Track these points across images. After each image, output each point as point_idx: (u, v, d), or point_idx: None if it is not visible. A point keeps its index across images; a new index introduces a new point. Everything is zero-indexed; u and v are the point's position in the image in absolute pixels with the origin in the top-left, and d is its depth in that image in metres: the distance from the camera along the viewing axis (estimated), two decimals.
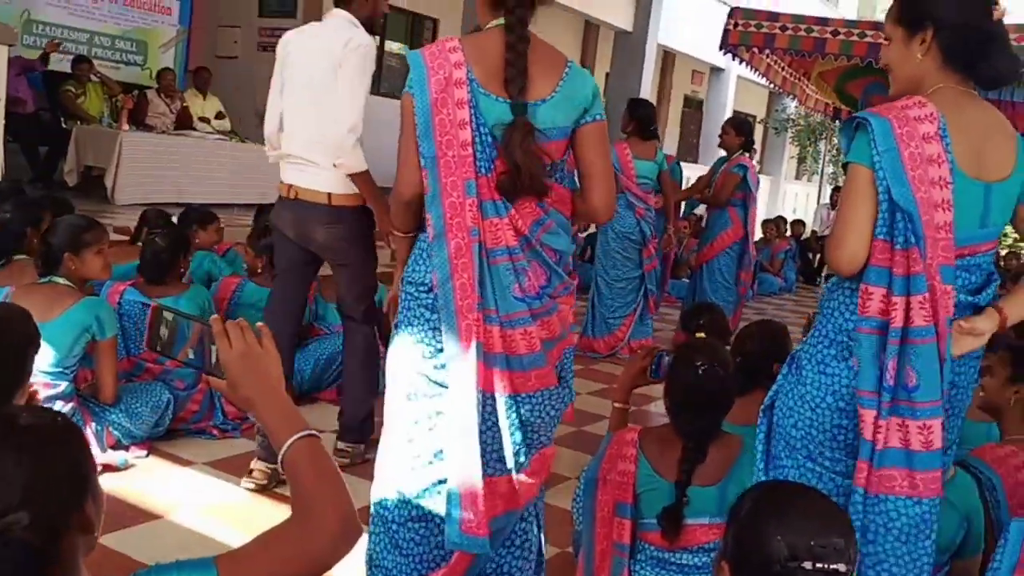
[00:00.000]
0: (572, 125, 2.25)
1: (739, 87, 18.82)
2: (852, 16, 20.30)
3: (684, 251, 9.93)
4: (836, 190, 14.94)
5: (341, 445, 3.66)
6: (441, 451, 2.24)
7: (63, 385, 3.30)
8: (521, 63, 2.14)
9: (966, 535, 2.33)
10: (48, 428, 1.22)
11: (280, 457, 1.33)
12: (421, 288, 2.25)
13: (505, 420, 2.22)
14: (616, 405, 2.83)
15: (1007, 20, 2.07)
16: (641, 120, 6.31)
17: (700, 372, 2.38)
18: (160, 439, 3.68)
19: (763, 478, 2.15)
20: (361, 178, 3.39)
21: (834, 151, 19.09)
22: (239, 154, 8.79)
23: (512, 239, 2.19)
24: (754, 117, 16.42)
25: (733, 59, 6.74)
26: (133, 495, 3.13)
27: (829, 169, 19.99)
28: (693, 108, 20.90)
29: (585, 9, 12.97)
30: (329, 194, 3.43)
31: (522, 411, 2.24)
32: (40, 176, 8.27)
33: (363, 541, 1.34)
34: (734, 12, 6.28)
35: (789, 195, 22.06)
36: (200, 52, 11.26)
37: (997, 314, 2.00)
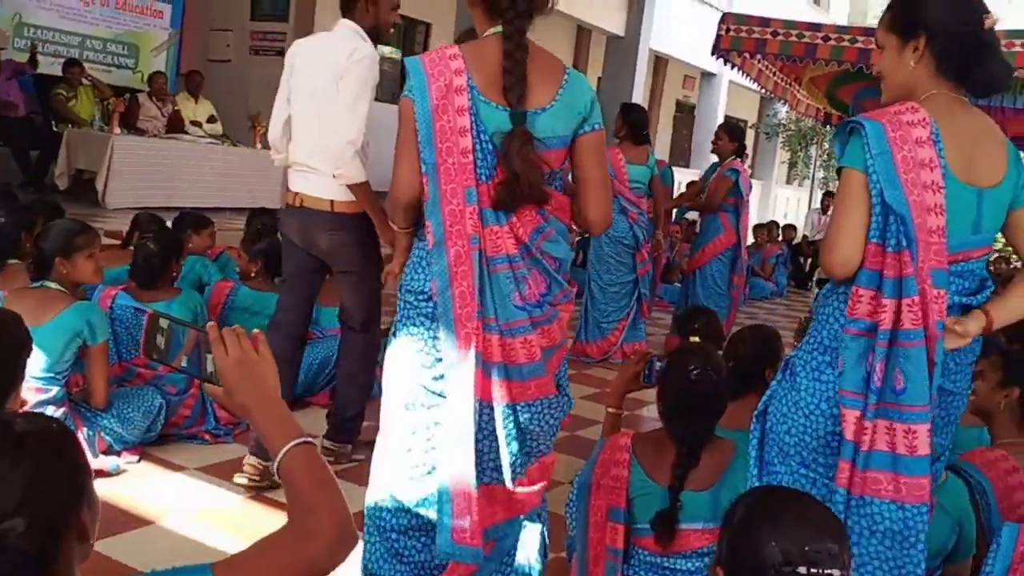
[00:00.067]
0: (571, 134, 2.25)
1: (731, 92, 18.87)
2: (843, 22, 20.40)
3: (676, 255, 9.94)
4: (827, 195, 14.98)
5: (328, 444, 3.68)
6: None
7: (54, 390, 3.29)
8: (519, 72, 2.14)
9: (958, 539, 2.34)
10: (45, 435, 1.22)
11: (276, 464, 1.33)
12: (420, 297, 2.24)
13: (502, 430, 2.21)
14: (609, 410, 2.83)
15: (996, 26, 2.09)
16: (634, 125, 6.32)
17: (693, 377, 2.38)
18: (152, 444, 3.67)
19: (757, 483, 2.16)
20: (359, 189, 3.41)
21: (825, 156, 19.17)
22: (231, 158, 8.79)
23: (512, 247, 2.19)
24: (745, 122, 16.52)
25: (725, 64, 6.78)
26: (125, 500, 3.12)
27: (820, 174, 20.07)
28: (685, 113, 20.95)
29: (577, 14, 12.99)
30: (331, 201, 3.46)
31: (521, 420, 2.24)
32: (31, 180, 8.25)
33: (358, 548, 1.34)
34: (726, 17, 6.32)
35: (780, 200, 22.12)
36: (192, 55, 11.25)
37: (984, 316, 2.02)
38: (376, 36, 3.53)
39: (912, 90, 2.05)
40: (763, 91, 8.18)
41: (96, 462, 3.29)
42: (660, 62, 18.55)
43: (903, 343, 1.94)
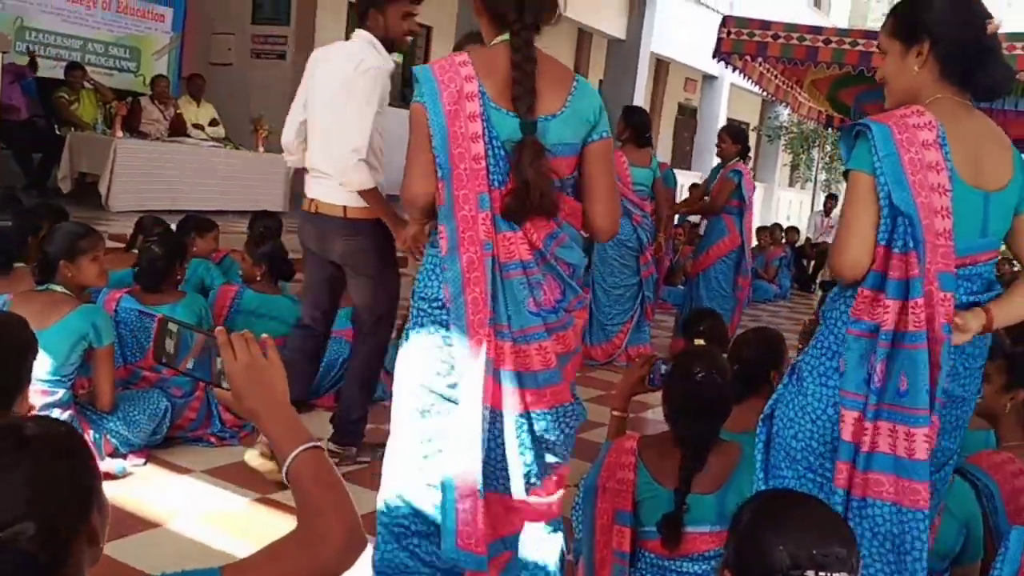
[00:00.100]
0: (580, 142, 2.24)
1: (732, 95, 18.87)
2: (843, 25, 20.40)
3: (680, 258, 9.94)
4: (830, 197, 14.99)
5: (332, 446, 3.69)
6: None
7: (60, 393, 3.30)
8: (529, 82, 2.14)
9: (965, 542, 2.35)
10: (54, 438, 1.22)
11: (284, 469, 1.33)
12: (434, 304, 2.23)
13: (515, 439, 2.20)
14: (614, 413, 2.83)
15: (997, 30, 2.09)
16: (636, 128, 6.33)
17: (698, 379, 2.39)
18: (158, 447, 3.68)
19: (763, 487, 2.16)
20: (369, 195, 3.45)
21: (827, 158, 19.16)
22: (233, 161, 8.79)
23: (526, 253, 2.18)
24: (747, 124, 16.49)
25: (726, 67, 6.79)
26: (131, 503, 3.13)
27: (822, 176, 20.06)
28: (686, 116, 20.96)
29: (578, 17, 13.00)
30: (344, 207, 3.51)
31: (536, 429, 2.22)
32: (34, 183, 8.25)
33: (367, 552, 1.34)
34: (727, 20, 6.33)
35: (783, 202, 22.12)
36: (193, 59, 11.26)
37: (984, 314, 2.01)
38: (389, 46, 3.56)
39: (916, 95, 2.06)
40: (765, 94, 8.18)
41: (102, 465, 3.30)
42: (661, 65, 18.55)
43: (907, 345, 1.94)
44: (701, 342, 2.94)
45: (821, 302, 6.39)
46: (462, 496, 2.18)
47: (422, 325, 2.27)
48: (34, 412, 3.00)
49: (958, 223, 1.95)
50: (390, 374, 4.45)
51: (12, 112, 7.94)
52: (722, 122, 16.67)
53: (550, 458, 2.29)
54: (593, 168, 2.28)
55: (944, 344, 1.94)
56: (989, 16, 2.03)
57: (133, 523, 2.99)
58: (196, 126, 9.38)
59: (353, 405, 3.75)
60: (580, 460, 3.92)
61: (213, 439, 3.83)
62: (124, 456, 3.49)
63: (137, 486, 3.34)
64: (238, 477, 3.46)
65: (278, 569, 1.28)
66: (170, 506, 3.18)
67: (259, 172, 8.87)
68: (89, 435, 3.33)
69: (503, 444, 2.21)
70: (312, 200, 3.61)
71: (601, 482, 2.43)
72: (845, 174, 2.05)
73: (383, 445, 3.75)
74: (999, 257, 2.13)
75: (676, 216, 8.47)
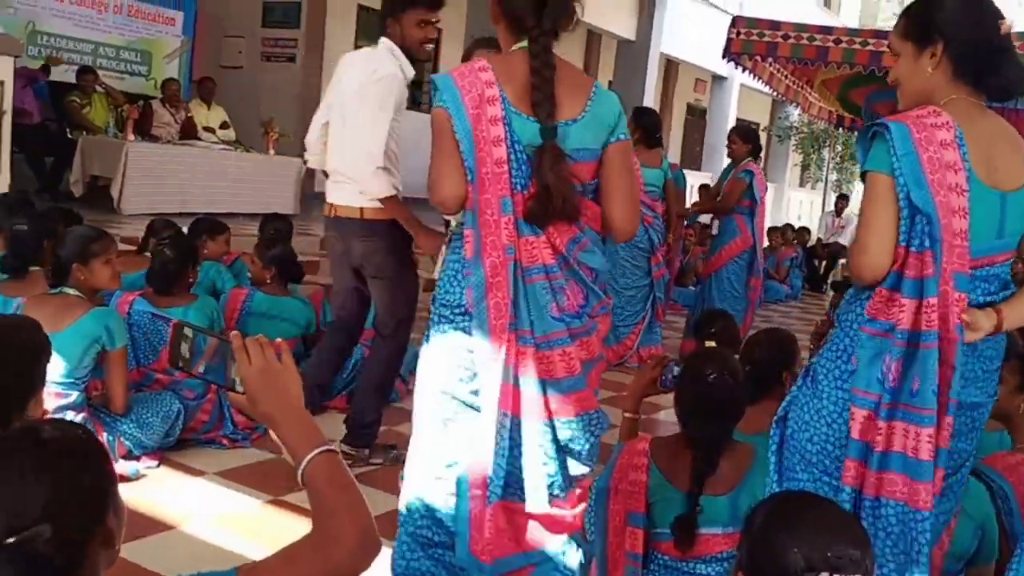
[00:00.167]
0: (600, 147, 2.23)
1: (742, 95, 18.84)
2: (853, 25, 20.34)
3: (691, 258, 9.92)
4: (840, 197, 14.93)
5: (345, 448, 3.70)
6: (491, 478, 2.19)
7: (74, 395, 3.31)
8: (548, 88, 2.14)
9: (980, 543, 2.34)
10: (70, 441, 1.23)
11: (299, 473, 1.34)
12: (456, 311, 2.22)
13: (537, 448, 2.18)
14: (626, 415, 2.83)
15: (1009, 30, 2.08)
16: (647, 128, 6.32)
17: (710, 381, 2.38)
18: (171, 449, 3.69)
19: (776, 489, 2.15)
20: (388, 203, 3.50)
21: (838, 158, 19.11)
22: (244, 164, 8.81)
23: (549, 257, 2.17)
24: (757, 125, 16.48)
25: (736, 67, 6.78)
26: (145, 505, 3.14)
27: (833, 176, 20.00)
28: (696, 116, 20.94)
29: (588, 18, 12.96)
30: (361, 209, 3.56)
31: (561, 438, 2.20)
32: (46, 187, 8.29)
33: (384, 556, 1.34)
34: (736, 21, 6.32)
35: (793, 203, 22.08)
36: (204, 62, 11.30)
37: (996, 314, 2.00)
38: (409, 54, 3.59)
39: (929, 96, 2.05)
40: (775, 94, 8.17)
41: (116, 467, 3.30)
42: (671, 66, 18.54)
43: (922, 344, 1.93)
44: (712, 344, 2.93)
45: (833, 303, 6.38)
46: (475, 502, 2.17)
47: (444, 331, 2.25)
48: (48, 415, 3.01)
49: (975, 224, 1.94)
50: (404, 381, 4.50)
51: (24, 116, 7.97)
52: (732, 122, 16.66)
53: (575, 469, 2.27)
54: (612, 169, 2.26)
55: (957, 344, 1.94)
56: (1002, 16, 2.03)
57: (147, 525, 3.00)
58: (207, 129, 9.41)
59: (368, 408, 3.77)
60: None
61: (226, 441, 3.84)
62: (137, 458, 3.51)
63: (150, 488, 3.35)
64: (251, 479, 3.48)
65: (293, 572, 1.28)
66: (183, 508, 3.19)
67: (270, 175, 8.90)
68: (103, 437, 3.35)
69: (522, 453, 2.19)
70: (331, 205, 3.67)
71: (613, 484, 2.43)
72: (862, 176, 2.04)
73: (395, 447, 3.80)
74: (1015, 258, 2.12)
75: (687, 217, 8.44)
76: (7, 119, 6.05)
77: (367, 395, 3.78)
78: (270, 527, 3.10)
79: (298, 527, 1.17)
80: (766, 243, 10.16)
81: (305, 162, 3.89)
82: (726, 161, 6.98)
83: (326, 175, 3.74)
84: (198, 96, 9.78)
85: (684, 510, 2.32)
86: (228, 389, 1.41)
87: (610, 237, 2.38)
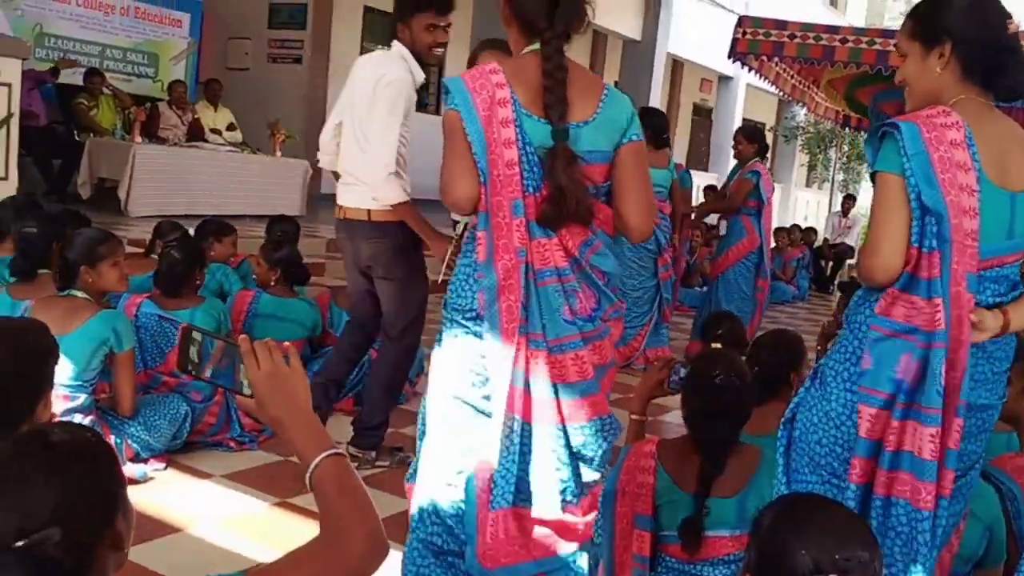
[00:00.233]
0: (612, 149, 2.22)
1: (748, 95, 18.83)
2: (860, 24, 20.30)
3: (697, 259, 9.90)
4: (847, 198, 14.90)
5: (352, 450, 3.70)
6: (499, 483, 2.18)
7: (82, 398, 3.32)
8: (560, 91, 2.13)
9: (988, 545, 2.33)
10: (80, 444, 1.24)
11: (308, 476, 1.34)
12: (468, 315, 2.21)
13: (550, 453, 2.17)
14: (633, 417, 2.82)
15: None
16: (654, 129, 6.29)
17: (717, 383, 2.38)
18: (178, 452, 3.69)
19: (784, 491, 2.15)
20: (403, 209, 3.51)
21: (844, 158, 19.08)
22: (251, 165, 8.84)
23: (562, 260, 2.15)
24: (763, 125, 16.43)
25: (742, 67, 6.76)
26: (152, 508, 3.14)
27: (839, 176, 19.96)
28: (702, 116, 20.92)
29: (594, 18, 12.97)
30: (368, 210, 3.57)
31: (574, 444, 2.19)
32: (54, 189, 8.32)
33: (392, 559, 1.34)
34: (742, 20, 6.30)
35: (800, 203, 22.04)
36: (211, 64, 11.33)
37: (1002, 316, 1.99)
38: (419, 58, 3.61)
39: (938, 96, 2.04)
40: (781, 94, 8.15)
41: (124, 470, 3.31)
42: (677, 66, 18.53)
43: (934, 344, 1.93)
44: (718, 346, 2.93)
45: (839, 303, 6.36)
46: (481, 507, 2.16)
47: (455, 336, 2.24)
48: (56, 417, 3.02)
49: (985, 224, 1.93)
50: (412, 383, 4.50)
51: (32, 118, 8.00)
52: (738, 122, 16.64)
53: (587, 475, 2.25)
54: (625, 170, 2.24)
55: (968, 346, 1.93)
56: (1009, 16, 2.02)
57: (154, 528, 3.01)
58: (214, 131, 9.44)
59: (375, 410, 3.77)
60: None
61: (233, 444, 3.85)
62: (145, 461, 3.51)
63: (158, 491, 3.36)
64: (258, 481, 3.48)
65: (301, 574, 1.28)
66: (191, 511, 3.20)
67: (277, 176, 8.92)
68: (110, 440, 3.35)
69: (533, 459, 2.18)
70: (341, 207, 3.69)
71: (620, 486, 2.42)
72: (872, 177, 2.03)
73: (402, 449, 3.80)
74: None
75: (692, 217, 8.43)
76: (15, 121, 6.07)
77: (374, 397, 3.79)
78: (278, 530, 3.11)
79: (306, 530, 1.18)
80: (772, 244, 10.17)
81: (316, 162, 3.90)
82: (733, 162, 6.97)
83: (336, 176, 3.76)
84: (205, 98, 9.81)
85: (691, 512, 2.31)
86: (236, 393, 1.41)
87: (619, 239, 2.37)
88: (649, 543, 2.36)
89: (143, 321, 3.89)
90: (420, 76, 3.60)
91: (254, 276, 5.08)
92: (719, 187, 8.74)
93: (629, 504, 2.39)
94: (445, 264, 3.11)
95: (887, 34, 5.69)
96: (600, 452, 2.25)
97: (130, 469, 3.37)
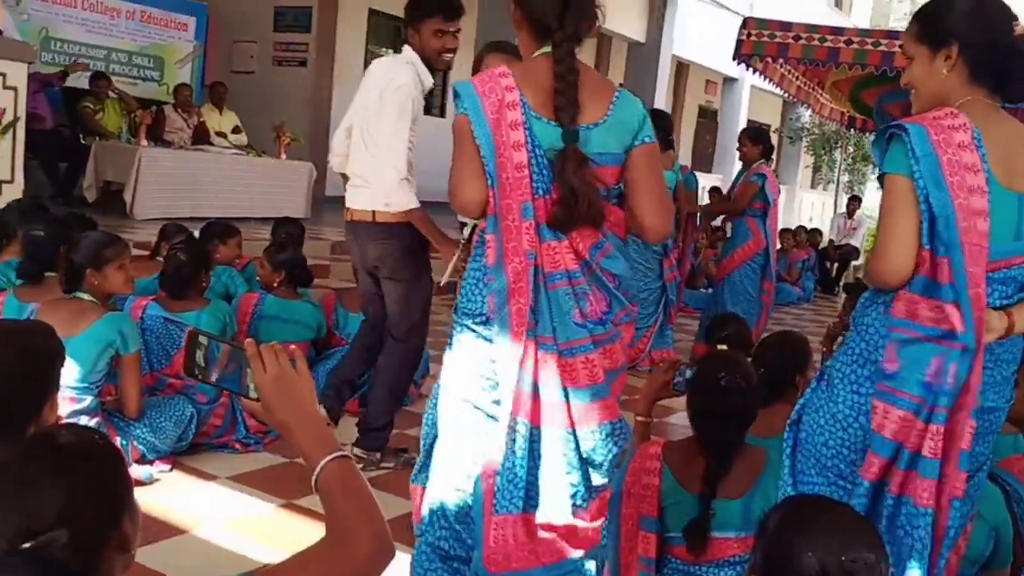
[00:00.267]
0: (623, 151, 2.21)
1: (753, 96, 18.81)
2: (865, 25, 20.27)
3: (702, 261, 9.89)
4: (852, 199, 14.87)
5: (357, 451, 3.71)
6: (505, 487, 2.17)
7: (88, 400, 3.33)
8: (571, 94, 2.12)
9: (995, 546, 2.33)
10: (87, 447, 1.24)
11: (314, 478, 1.34)
12: (478, 319, 2.20)
13: (560, 457, 2.15)
14: (639, 418, 2.82)
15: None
16: (659, 131, 6.30)
17: (722, 384, 2.38)
18: (183, 454, 3.70)
19: (790, 493, 2.15)
20: (414, 215, 3.53)
21: (849, 160, 19.03)
22: (256, 168, 8.85)
23: (572, 262, 2.14)
24: (768, 126, 16.44)
25: (747, 69, 6.76)
26: (158, 510, 3.15)
27: (845, 178, 19.92)
28: (707, 118, 20.90)
29: (603, 22, 12.98)
30: (373, 212, 3.60)
31: (583, 448, 2.17)
32: (60, 192, 8.34)
33: (398, 561, 1.33)
34: (747, 22, 6.30)
35: (805, 204, 22.01)
36: (216, 67, 11.36)
37: (1007, 317, 1.99)
38: (428, 63, 3.62)
39: (945, 98, 2.03)
40: (786, 95, 8.15)
41: (130, 471, 3.31)
42: (682, 67, 18.52)
43: (953, 345, 1.92)
44: (724, 347, 2.92)
45: (845, 305, 6.35)
46: (487, 510, 2.16)
47: (466, 341, 2.24)
48: (62, 419, 3.03)
49: (994, 226, 1.92)
50: (416, 385, 4.51)
51: (38, 122, 8.02)
52: (743, 124, 16.63)
53: (596, 479, 2.23)
54: (639, 171, 2.24)
55: (983, 348, 1.92)
56: (1015, 17, 2.01)
57: (160, 529, 3.01)
58: (219, 134, 9.45)
59: (380, 412, 3.78)
60: None
61: (238, 445, 3.85)
62: (151, 463, 3.52)
63: (164, 493, 3.36)
64: (264, 483, 3.49)
65: None
66: (197, 512, 3.20)
67: (282, 179, 8.93)
68: (116, 442, 3.36)
69: (540, 463, 2.17)
70: (348, 209, 3.73)
71: (626, 487, 2.43)
72: (880, 179, 2.01)
73: (406, 450, 3.81)
74: None
75: (698, 219, 8.42)
76: (21, 125, 6.08)
77: (379, 399, 3.79)
78: (283, 531, 3.11)
79: (311, 531, 1.18)
80: (778, 245, 10.16)
81: (325, 163, 3.96)
82: (738, 163, 6.96)
83: (345, 179, 3.77)
84: (210, 101, 9.82)
85: (697, 514, 2.31)
86: (243, 396, 1.41)
87: (626, 241, 2.36)
88: (655, 544, 2.36)
89: (149, 323, 3.89)
90: (428, 81, 3.62)
91: (259, 278, 5.09)
92: (724, 190, 8.73)
93: (635, 505, 2.39)
94: (452, 267, 3.12)
95: (892, 35, 5.69)
96: (610, 456, 2.23)
97: (136, 471, 3.37)
